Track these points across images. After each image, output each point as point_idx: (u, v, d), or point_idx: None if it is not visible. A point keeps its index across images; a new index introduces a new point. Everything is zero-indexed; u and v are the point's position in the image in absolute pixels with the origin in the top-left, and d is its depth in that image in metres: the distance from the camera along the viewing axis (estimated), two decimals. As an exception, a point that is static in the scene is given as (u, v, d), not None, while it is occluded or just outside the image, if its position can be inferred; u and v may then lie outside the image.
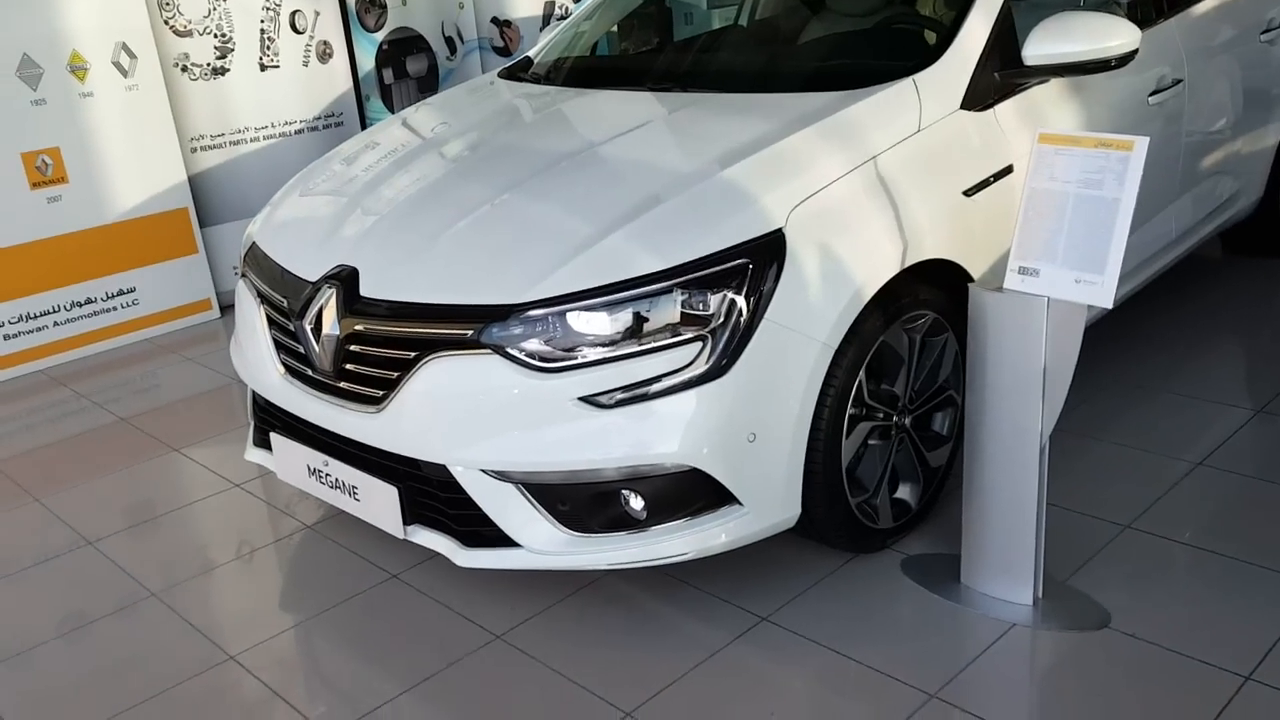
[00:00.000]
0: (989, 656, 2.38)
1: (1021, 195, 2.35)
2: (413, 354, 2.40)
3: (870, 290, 2.47)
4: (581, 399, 2.28)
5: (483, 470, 2.35)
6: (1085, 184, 2.25)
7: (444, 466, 2.40)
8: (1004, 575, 2.53)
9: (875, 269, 2.49)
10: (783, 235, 2.37)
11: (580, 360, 2.29)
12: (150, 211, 4.86)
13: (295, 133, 5.37)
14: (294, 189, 3.24)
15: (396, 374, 2.43)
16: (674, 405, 2.28)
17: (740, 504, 2.38)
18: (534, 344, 2.31)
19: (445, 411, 2.37)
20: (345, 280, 2.55)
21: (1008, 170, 2.87)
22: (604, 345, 2.29)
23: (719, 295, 2.30)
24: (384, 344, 2.46)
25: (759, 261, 2.33)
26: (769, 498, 2.43)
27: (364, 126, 5.61)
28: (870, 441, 2.65)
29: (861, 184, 2.56)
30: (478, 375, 2.33)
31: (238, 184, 5.18)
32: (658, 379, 2.28)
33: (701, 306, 2.30)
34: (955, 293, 2.73)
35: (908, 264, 2.56)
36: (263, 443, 2.96)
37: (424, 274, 2.49)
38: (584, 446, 2.29)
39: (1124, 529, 2.79)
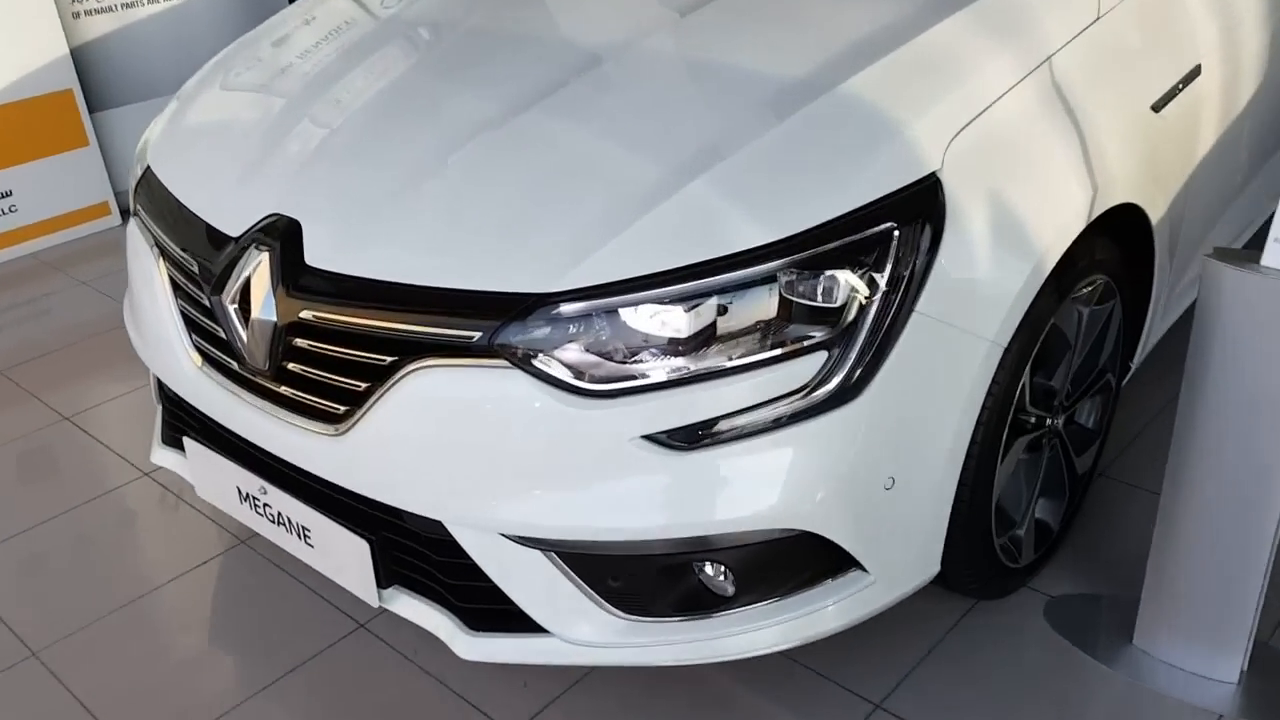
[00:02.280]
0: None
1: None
2: (389, 359, 1.62)
3: (1055, 256, 1.72)
4: (646, 438, 1.53)
5: (502, 534, 1.61)
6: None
7: (439, 524, 1.65)
8: (1201, 643, 1.87)
9: (1061, 224, 1.73)
10: (938, 182, 1.60)
11: (644, 381, 1.53)
12: (24, 95, 3.87)
13: (208, -9, 4.35)
14: (205, 84, 2.35)
15: (365, 384, 1.65)
16: (784, 444, 1.54)
17: (864, 570, 1.67)
18: (573, 353, 1.54)
19: (439, 446, 1.61)
20: (283, 237, 1.73)
21: (1195, 73, 2.09)
22: (679, 356, 1.52)
23: (850, 279, 1.53)
24: (345, 341, 1.66)
25: (908, 225, 1.56)
26: (904, 558, 1.72)
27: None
28: (1019, 457, 1.95)
29: (1036, 98, 1.77)
30: (489, 397, 1.56)
31: (137, 57, 4.19)
32: (761, 406, 1.52)
33: (824, 297, 1.53)
34: (1127, 245, 2.00)
35: (1096, 214, 1.80)
36: (175, 441, 2.17)
37: (402, 236, 1.67)
38: (650, 505, 1.55)
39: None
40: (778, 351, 1.52)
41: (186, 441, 2.04)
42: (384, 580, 1.78)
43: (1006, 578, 2.02)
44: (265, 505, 1.91)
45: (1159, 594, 1.90)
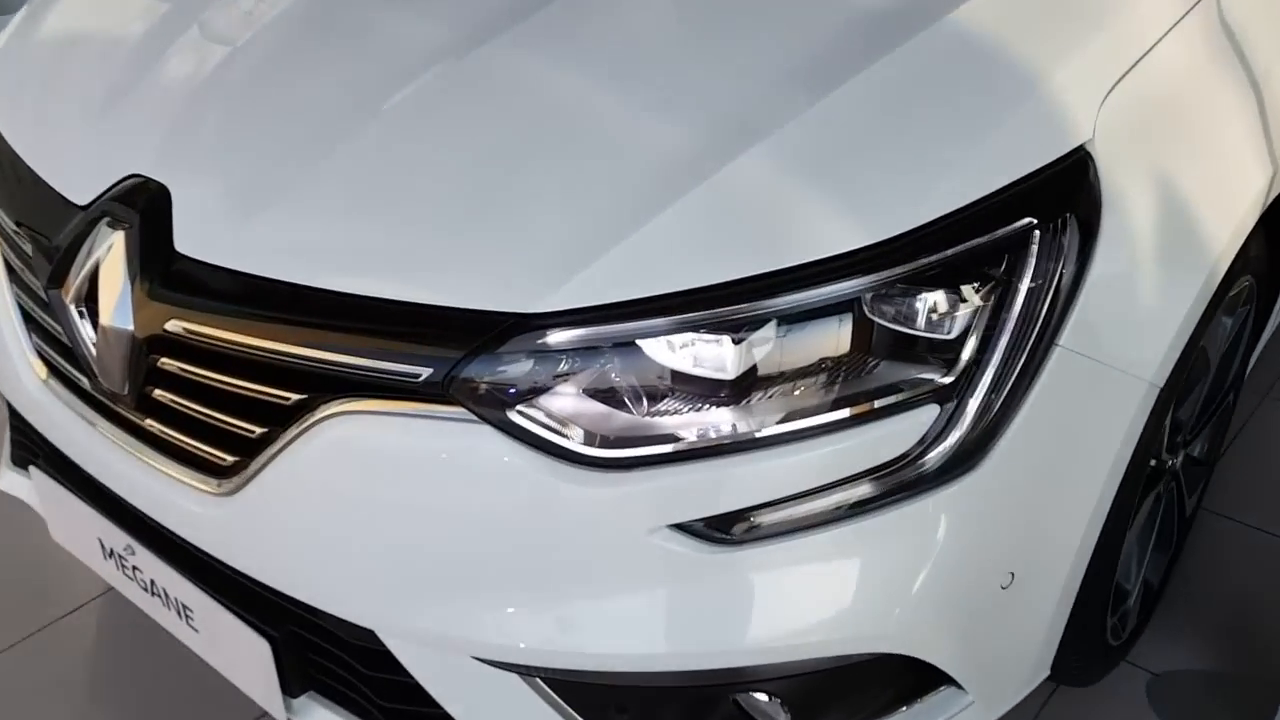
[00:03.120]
0: None
1: None
2: (294, 396, 1.11)
3: (1228, 260, 1.26)
4: (676, 528, 1.04)
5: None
6: None
7: (371, 633, 1.16)
8: (1363, 755, 1.46)
9: (1238, 217, 1.26)
10: (1089, 159, 1.11)
11: (672, 446, 1.04)
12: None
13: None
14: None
15: (261, 429, 1.15)
16: (872, 537, 1.06)
17: (960, 688, 1.21)
18: (568, 402, 1.04)
19: (368, 526, 1.11)
20: (145, 210, 1.21)
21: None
22: (723, 406, 1.04)
23: (972, 299, 1.05)
24: (232, 368, 1.15)
25: (1050, 222, 1.07)
26: (1013, 669, 1.27)
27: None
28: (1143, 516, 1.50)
29: (1203, 43, 1.29)
30: (444, 461, 1.06)
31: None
32: (839, 486, 1.05)
33: (932, 326, 1.05)
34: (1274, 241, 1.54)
35: (1270, 200, 1.34)
36: (28, 463, 1.64)
37: (318, 217, 1.15)
38: (678, 622, 1.07)
39: None
40: (866, 407, 1.04)
41: (33, 472, 1.52)
42: (294, 686, 1.29)
43: (1110, 657, 1.58)
44: (134, 569, 1.40)
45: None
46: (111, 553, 1.43)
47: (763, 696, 1.16)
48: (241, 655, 1.30)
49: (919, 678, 1.19)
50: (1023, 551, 1.14)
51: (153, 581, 1.38)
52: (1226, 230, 1.23)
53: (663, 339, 1.03)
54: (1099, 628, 1.42)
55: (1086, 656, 1.45)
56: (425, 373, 1.03)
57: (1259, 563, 1.83)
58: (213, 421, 1.19)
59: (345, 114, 1.23)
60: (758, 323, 1.02)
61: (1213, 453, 1.76)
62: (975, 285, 1.04)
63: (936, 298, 1.04)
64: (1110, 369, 1.12)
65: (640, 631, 1.06)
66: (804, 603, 1.07)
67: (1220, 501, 1.94)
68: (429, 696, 1.16)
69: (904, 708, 1.20)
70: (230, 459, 1.18)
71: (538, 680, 1.12)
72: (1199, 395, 1.54)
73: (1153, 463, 1.45)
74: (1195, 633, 1.71)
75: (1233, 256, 1.25)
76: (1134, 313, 1.14)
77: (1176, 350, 1.20)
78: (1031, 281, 1.05)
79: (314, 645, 1.26)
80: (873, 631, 1.08)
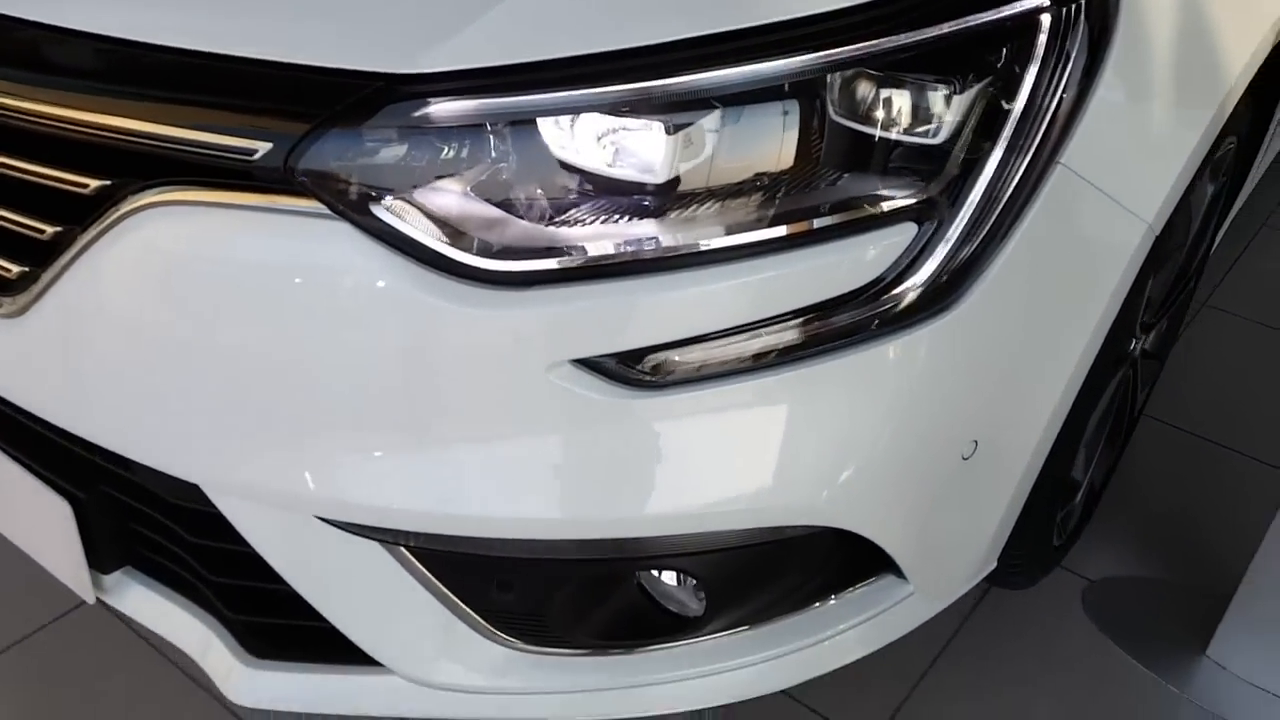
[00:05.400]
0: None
1: None
2: (95, 182, 0.86)
3: (1237, 95, 1.08)
4: (581, 363, 0.83)
5: (318, 517, 0.90)
6: None
7: (197, 489, 0.92)
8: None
9: (1254, 45, 1.08)
10: (1108, -58, 0.91)
11: (580, 260, 0.82)
12: None
13: None
14: None
15: (54, 228, 0.89)
16: (822, 385, 0.87)
17: (901, 576, 1.04)
18: (450, 198, 0.81)
19: (192, 351, 0.87)
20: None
21: None
22: (646, 218, 0.82)
23: (968, 95, 0.85)
24: (14, 144, 0.89)
25: (1062, 8, 0.87)
26: (960, 560, 1.10)
27: None
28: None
29: None
30: (288, 267, 0.83)
31: None
32: (788, 319, 0.85)
33: (916, 124, 0.84)
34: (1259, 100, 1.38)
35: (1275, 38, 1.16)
36: None
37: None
38: (579, 481, 0.86)
39: None
40: (829, 220, 0.83)
41: None
42: (105, 560, 1.06)
43: (1050, 558, 1.44)
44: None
45: (1261, 597, 1.35)
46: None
47: (672, 578, 0.96)
48: (40, 524, 1.05)
49: (854, 563, 1.01)
50: (992, 416, 0.96)
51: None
52: (1241, 60, 1.05)
53: (571, 124, 0.80)
54: (1049, 521, 1.27)
55: (1032, 554, 1.30)
56: (262, 148, 0.79)
57: (1199, 471, 1.71)
58: (-10, 214, 0.92)
59: None
60: (695, 106, 0.80)
61: (1166, 347, 1.62)
62: (970, 77, 0.84)
63: (919, 90, 0.83)
64: (1113, 202, 0.94)
65: (529, 490, 0.85)
66: (730, 464, 0.87)
67: (1162, 409, 1.82)
68: (271, 570, 0.94)
69: (834, 596, 1.03)
70: (16, 270, 0.92)
71: (403, 550, 0.91)
72: (1171, 271, 1.38)
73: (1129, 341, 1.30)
74: (1133, 540, 1.59)
75: (1242, 91, 1.08)
76: (1143, 138, 0.96)
77: (1176, 195, 1.02)
78: (1038, 78, 0.85)
79: (131, 510, 1.03)
80: (810, 501, 0.89)
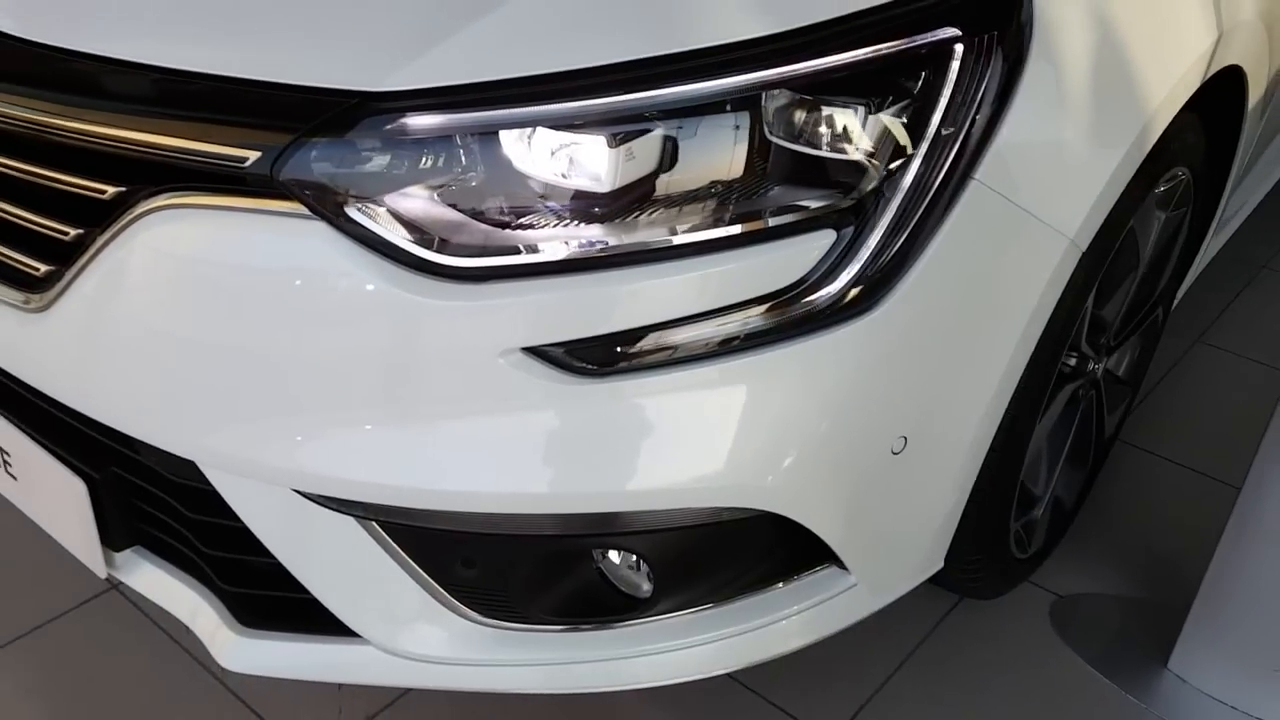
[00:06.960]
0: None
1: None
2: (110, 189, 0.97)
3: (1162, 124, 1.16)
4: (532, 352, 0.93)
5: (296, 491, 1.00)
6: None
7: (193, 465, 1.03)
8: (1264, 680, 1.38)
9: (1176, 78, 1.16)
10: (1024, -22, 1.01)
11: (533, 258, 0.92)
12: None
13: None
14: None
15: (76, 231, 1.01)
16: (751, 377, 0.95)
17: (844, 569, 1.11)
18: (417, 202, 0.92)
19: (189, 341, 0.97)
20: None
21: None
22: (594, 222, 0.92)
23: (884, 117, 0.94)
24: (42, 158, 1.01)
25: (977, 37, 0.96)
26: (902, 554, 1.17)
27: None
28: (1055, 414, 1.41)
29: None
30: (273, 264, 0.93)
31: None
32: (719, 314, 0.94)
33: (836, 142, 0.94)
34: (1212, 132, 1.45)
35: (1212, 71, 1.24)
36: None
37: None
38: (531, 460, 0.95)
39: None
40: (756, 226, 0.93)
41: None
42: (117, 538, 1.16)
43: (1010, 571, 1.50)
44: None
45: (1215, 611, 1.39)
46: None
47: (619, 559, 1.05)
48: (57, 501, 1.16)
49: (798, 552, 1.09)
50: (917, 413, 1.04)
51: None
52: (1161, 89, 1.13)
53: (529, 141, 0.91)
54: (1000, 527, 1.33)
55: (985, 559, 1.36)
56: (252, 157, 0.90)
57: (1178, 496, 1.76)
58: (22, 223, 1.05)
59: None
60: (638, 122, 0.90)
61: (1138, 372, 1.68)
62: (888, 99, 0.93)
63: (843, 110, 0.93)
64: (1030, 216, 1.02)
65: (482, 467, 0.94)
66: (673, 447, 0.96)
67: (1144, 437, 1.87)
68: (258, 543, 1.04)
69: (780, 584, 1.10)
70: (44, 268, 1.04)
71: (373, 524, 1.00)
72: (1126, 295, 1.45)
73: (1073, 357, 1.36)
74: (1105, 559, 1.64)
75: (1168, 121, 1.16)
76: (1059, 158, 1.04)
77: (1100, 214, 1.10)
78: (950, 103, 0.94)
79: (140, 491, 1.13)
80: (748, 485, 0.98)
